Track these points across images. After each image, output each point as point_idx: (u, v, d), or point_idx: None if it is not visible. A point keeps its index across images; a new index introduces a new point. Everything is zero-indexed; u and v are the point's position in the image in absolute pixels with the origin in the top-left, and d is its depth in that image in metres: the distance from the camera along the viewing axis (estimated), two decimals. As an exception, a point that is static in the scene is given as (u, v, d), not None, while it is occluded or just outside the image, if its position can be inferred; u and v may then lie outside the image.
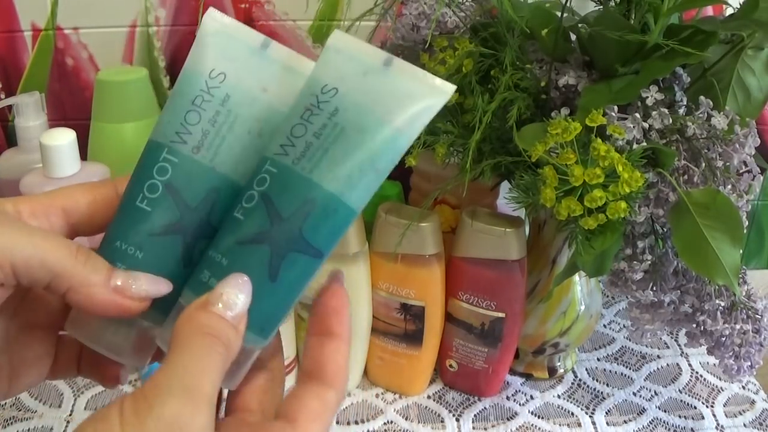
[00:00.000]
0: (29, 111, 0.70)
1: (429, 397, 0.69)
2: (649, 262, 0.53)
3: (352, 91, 0.30)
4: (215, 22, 0.33)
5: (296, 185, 0.30)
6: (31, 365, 0.34)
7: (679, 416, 0.67)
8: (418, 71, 0.30)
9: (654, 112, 0.50)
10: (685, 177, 0.50)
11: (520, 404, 0.68)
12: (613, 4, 0.55)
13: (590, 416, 0.67)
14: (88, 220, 0.33)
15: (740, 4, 0.54)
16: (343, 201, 0.30)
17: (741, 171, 0.51)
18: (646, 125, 0.50)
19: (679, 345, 0.77)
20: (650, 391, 0.70)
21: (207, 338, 0.28)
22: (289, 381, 0.67)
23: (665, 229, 0.54)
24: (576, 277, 0.65)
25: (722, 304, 0.54)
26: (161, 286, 0.31)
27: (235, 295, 0.29)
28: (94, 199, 0.33)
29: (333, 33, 0.32)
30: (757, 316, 0.54)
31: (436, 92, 0.30)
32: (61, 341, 0.35)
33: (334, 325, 0.32)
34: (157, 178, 0.32)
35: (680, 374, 0.73)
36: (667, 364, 0.74)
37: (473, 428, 0.65)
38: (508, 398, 0.69)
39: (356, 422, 0.65)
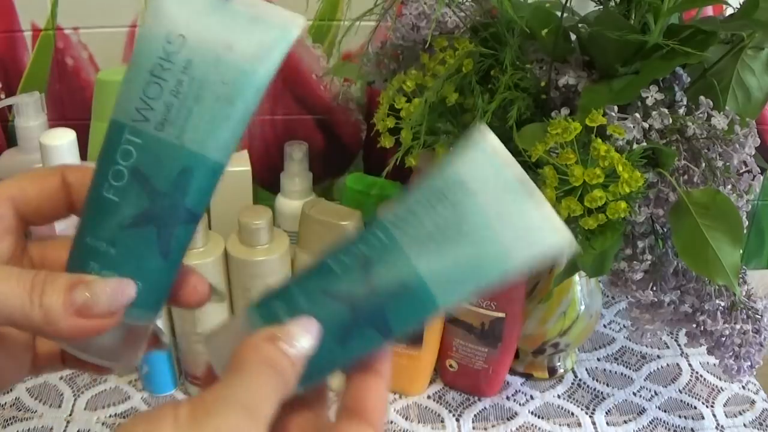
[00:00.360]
0: (29, 111, 0.70)
1: (429, 397, 0.69)
2: (649, 262, 0.53)
3: (487, 200, 0.30)
4: None
5: (399, 264, 0.29)
6: (9, 362, 0.33)
7: (679, 416, 0.67)
8: (550, 210, 0.30)
9: (654, 112, 0.50)
10: (685, 177, 0.50)
11: (520, 404, 0.68)
12: (613, 4, 0.55)
13: (590, 416, 0.67)
14: (36, 209, 0.32)
15: (740, 4, 0.54)
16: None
17: (741, 171, 0.51)
18: (646, 125, 0.50)
19: (679, 345, 0.77)
20: (650, 391, 0.70)
21: (271, 369, 0.28)
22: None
23: (665, 229, 0.54)
24: (576, 277, 0.65)
25: (722, 304, 0.54)
26: (126, 292, 0.29)
27: (303, 338, 0.29)
28: (42, 188, 0.32)
29: (483, 130, 0.31)
30: (757, 316, 0.54)
31: (557, 236, 0.29)
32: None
33: (377, 362, 0.32)
34: (122, 163, 0.29)
35: (680, 374, 0.73)
36: (667, 364, 0.74)
37: (473, 428, 0.65)
38: (508, 398, 0.69)
39: (356, 422, 0.65)
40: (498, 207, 0.29)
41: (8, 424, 0.63)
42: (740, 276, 0.54)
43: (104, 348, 0.31)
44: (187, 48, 0.29)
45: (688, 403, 0.69)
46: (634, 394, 0.70)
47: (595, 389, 0.70)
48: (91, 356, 0.31)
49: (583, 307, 0.66)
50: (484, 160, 0.30)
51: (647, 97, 0.51)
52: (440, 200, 0.30)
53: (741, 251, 0.47)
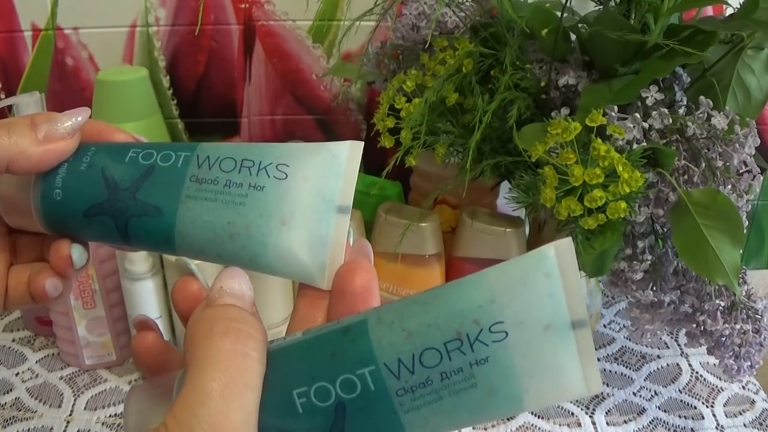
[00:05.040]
0: (29, 111, 0.69)
1: (429, 397, 0.69)
2: (649, 262, 0.53)
3: (520, 345, 0.24)
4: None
5: (381, 417, 0.25)
6: None
7: (679, 416, 0.67)
8: (589, 351, 0.24)
9: (654, 112, 0.50)
10: (685, 177, 0.50)
11: (520, 404, 0.68)
12: (613, 4, 0.55)
13: (590, 416, 0.67)
14: None
15: (740, 4, 0.54)
16: None
17: (741, 171, 0.51)
18: (646, 125, 0.50)
19: (679, 345, 0.77)
20: (650, 391, 0.70)
21: (231, 332, 0.25)
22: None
23: (665, 229, 0.54)
24: (576, 277, 0.65)
25: (722, 304, 0.54)
26: (81, 114, 0.31)
27: (237, 283, 0.27)
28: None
29: (561, 242, 0.24)
30: (757, 316, 0.54)
31: (585, 387, 0.25)
32: None
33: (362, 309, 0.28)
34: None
35: (680, 374, 0.73)
36: (667, 364, 0.74)
37: (473, 428, 0.65)
38: (508, 398, 0.69)
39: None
40: (532, 352, 0.24)
41: (8, 424, 0.63)
42: (740, 276, 0.54)
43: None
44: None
45: (688, 403, 0.69)
46: (634, 394, 0.70)
47: (595, 389, 0.70)
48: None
49: (583, 307, 0.66)
50: (541, 289, 0.24)
51: (647, 97, 0.51)
52: (459, 347, 0.24)
53: (741, 251, 0.47)
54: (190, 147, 0.31)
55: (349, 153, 0.31)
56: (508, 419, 0.66)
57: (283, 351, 0.26)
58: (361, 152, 0.31)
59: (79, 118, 0.31)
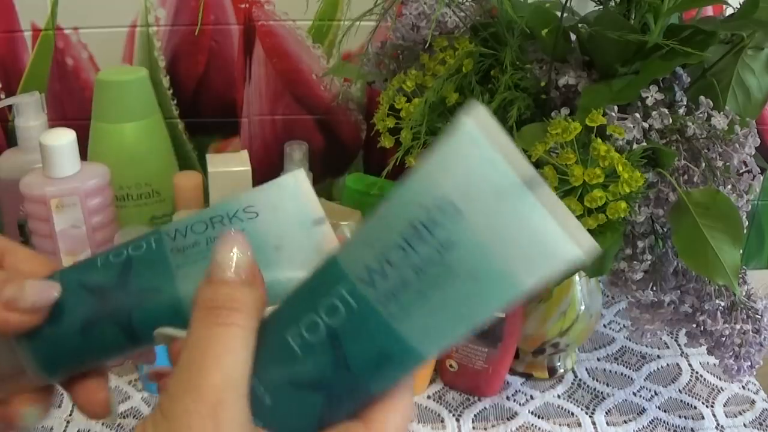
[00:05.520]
0: (29, 111, 0.70)
1: (429, 397, 0.69)
2: (649, 262, 0.53)
3: (479, 219, 0.23)
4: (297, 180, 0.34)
5: (376, 333, 0.24)
6: None
7: (679, 416, 0.67)
8: (562, 209, 0.23)
9: (654, 112, 0.50)
10: (685, 177, 0.50)
11: (520, 404, 0.68)
12: (613, 4, 0.55)
13: (590, 416, 0.67)
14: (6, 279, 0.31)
15: (740, 4, 0.54)
16: (422, 354, 0.24)
17: (741, 171, 0.51)
18: (646, 125, 0.50)
19: (679, 345, 0.77)
20: (650, 391, 0.70)
21: (215, 313, 0.25)
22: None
23: (665, 229, 0.54)
24: (576, 277, 0.65)
25: (722, 304, 0.54)
26: (49, 293, 0.29)
27: (229, 251, 0.26)
28: (33, 267, 0.32)
29: (473, 109, 0.24)
30: (757, 316, 0.54)
31: (576, 245, 0.23)
32: None
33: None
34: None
35: (680, 374, 0.73)
36: (667, 364, 0.74)
37: (473, 428, 0.65)
38: (508, 398, 0.69)
39: (356, 422, 0.65)
40: (495, 222, 0.23)
41: (8, 424, 0.63)
42: (740, 276, 0.54)
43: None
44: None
45: (688, 403, 0.69)
46: (634, 394, 0.70)
47: (595, 389, 0.70)
48: None
49: (583, 307, 0.66)
50: (468, 153, 0.23)
51: (647, 97, 0.51)
52: (419, 235, 0.23)
53: (741, 251, 0.47)
54: (153, 232, 0.32)
55: (295, 179, 0.34)
56: (508, 419, 0.66)
57: (274, 310, 0.27)
58: (305, 177, 0.34)
59: (48, 297, 0.29)
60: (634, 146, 0.49)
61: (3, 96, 0.77)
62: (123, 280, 0.30)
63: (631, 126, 0.49)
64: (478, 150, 0.23)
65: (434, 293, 0.23)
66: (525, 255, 0.23)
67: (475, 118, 0.24)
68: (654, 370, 0.73)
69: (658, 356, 0.75)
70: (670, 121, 0.50)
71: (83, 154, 0.66)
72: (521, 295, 0.23)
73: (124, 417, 0.64)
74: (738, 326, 0.54)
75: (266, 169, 0.81)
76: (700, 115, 0.51)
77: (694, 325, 0.56)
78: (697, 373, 0.73)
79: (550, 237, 0.23)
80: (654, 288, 0.55)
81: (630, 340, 0.77)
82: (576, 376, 0.72)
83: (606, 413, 0.67)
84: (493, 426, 0.66)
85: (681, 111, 0.52)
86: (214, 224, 0.31)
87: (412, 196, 0.24)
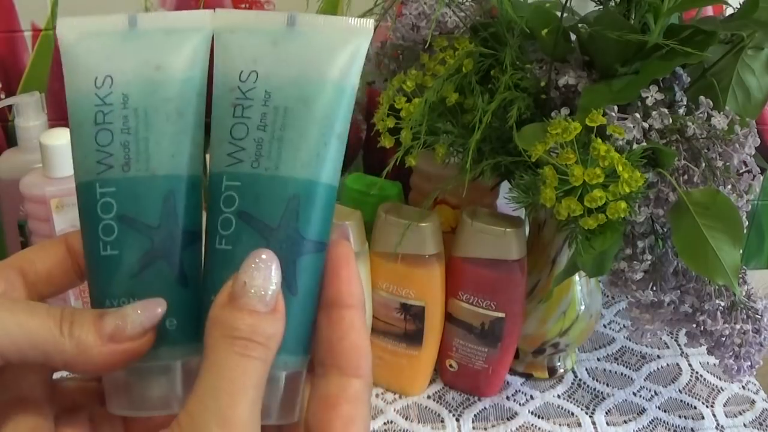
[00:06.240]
0: (29, 111, 0.70)
1: (429, 397, 0.69)
2: (649, 262, 0.53)
3: (271, 66, 0.28)
4: (69, 30, 0.29)
5: (269, 189, 0.27)
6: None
7: (679, 416, 0.67)
8: (325, 19, 0.28)
9: (654, 112, 0.50)
10: (685, 177, 0.50)
11: (520, 404, 0.68)
12: (613, 4, 0.55)
13: (590, 416, 0.67)
14: (46, 279, 0.30)
15: (740, 4, 0.54)
16: (322, 182, 0.28)
17: (741, 171, 0.51)
18: (646, 125, 0.50)
19: (679, 345, 0.77)
20: (650, 391, 0.70)
21: (237, 344, 0.25)
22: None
23: (665, 229, 0.54)
24: (576, 277, 0.65)
25: (722, 304, 0.54)
26: (155, 310, 0.27)
27: (260, 278, 0.25)
28: (47, 258, 0.30)
29: (218, 14, 0.30)
30: (757, 316, 0.54)
31: (356, 33, 0.28)
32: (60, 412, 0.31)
33: (343, 293, 0.28)
34: (105, 217, 0.28)
35: (680, 374, 0.73)
36: (667, 364, 0.74)
37: (473, 428, 0.65)
38: (508, 398, 0.69)
39: (356, 422, 0.65)
40: (288, 61, 0.28)
41: (8, 424, 0.63)
42: (740, 276, 0.54)
43: (162, 399, 0.29)
44: (118, 85, 0.29)
45: (688, 403, 0.69)
46: (634, 394, 0.70)
47: (595, 389, 0.70)
48: (152, 411, 0.29)
49: (583, 307, 0.66)
50: (232, 39, 0.29)
51: (647, 97, 0.51)
52: (243, 106, 0.28)
53: (741, 251, 0.47)
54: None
55: None
56: (508, 419, 0.66)
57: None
58: None
59: (155, 314, 0.27)
60: (634, 146, 0.49)
61: (3, 96, 0.77)
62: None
63: (631, 126, 0.49)
64: (242, 28, 0.29)
65: (286, 132, 0.27)
66: (321, 61, 0.28)
67: (223, 17, 0.30)
68: (654, 370, 0.73)
69: (658, 356, 0.75)
70: (670, 121, 0.50)
71: (83, 154, 0.66)
72: (348, 91, 0.28)
73: (124, 417, 0.64)
74: (738, 326, 0.54)
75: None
76: (700, 115, 0.51)
77: (694, 325, 0.56)
78: (697, 373, 0.73)
79: (325, 39, 0.28)
80: (654, 288, 0.55)
81: (630, 340, 0.77)
82: (576, 376, 0.72)
83: (606, 413, 0.67)
84: (493, 426, 0.66)
85: (681, 111, 0.52)
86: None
87: (219, 89, 0.30)
